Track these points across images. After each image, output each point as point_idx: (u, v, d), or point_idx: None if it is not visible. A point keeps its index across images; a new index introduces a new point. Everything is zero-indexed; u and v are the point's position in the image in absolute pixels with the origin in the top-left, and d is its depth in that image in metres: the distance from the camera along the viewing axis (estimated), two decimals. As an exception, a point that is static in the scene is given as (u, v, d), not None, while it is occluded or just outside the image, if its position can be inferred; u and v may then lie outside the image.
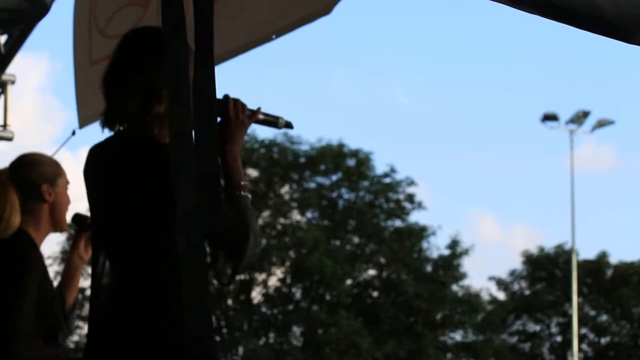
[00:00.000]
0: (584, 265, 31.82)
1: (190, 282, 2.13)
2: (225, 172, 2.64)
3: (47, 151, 3.72)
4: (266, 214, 29.20)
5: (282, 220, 29.45)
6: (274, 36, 3.30)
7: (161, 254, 2.57)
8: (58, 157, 3.70)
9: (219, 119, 2.68)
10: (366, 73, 39.76)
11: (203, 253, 2.16)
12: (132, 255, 2.64)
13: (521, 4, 1.98)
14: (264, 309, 29.21)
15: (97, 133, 4.01)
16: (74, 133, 4.08)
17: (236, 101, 2.70)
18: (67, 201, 3.61)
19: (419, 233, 30.09)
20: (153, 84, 2.63)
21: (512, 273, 34.01)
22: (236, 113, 2.69)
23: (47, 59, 44.11)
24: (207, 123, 2.14)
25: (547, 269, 33.43)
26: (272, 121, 2.82)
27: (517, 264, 36.66)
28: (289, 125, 2.85)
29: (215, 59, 2.12)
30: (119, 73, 2.69)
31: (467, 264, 32.95)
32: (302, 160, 29.79)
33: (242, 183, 2.64)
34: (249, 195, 2.65)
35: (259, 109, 2.76)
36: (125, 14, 3.66)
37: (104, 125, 2.72)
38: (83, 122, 4.33)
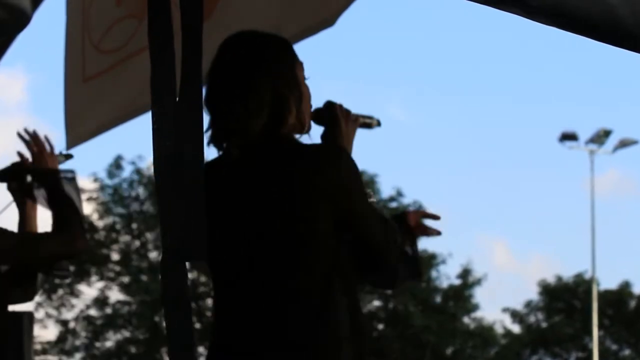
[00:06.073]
0: (605, 295, 31.77)
1: (174, 320, 2.16)
2: None
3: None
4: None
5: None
6: None
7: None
8: None
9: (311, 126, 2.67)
10: (359, 86, 39.83)
11: (187, 289, 2.19)
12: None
13: (537, 16, 2.00)
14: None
15: (80, 154, 4.03)
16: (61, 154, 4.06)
17: (341, 106, 2.72)
18: None
19: (428, 261, 30.07)
20: (281, 91, 2.56)
21: (528, 304, 33.98)
22: (346, 118, 2.71)
23: (22, 73, 44.30)
24: (193, 139, 2.16)
25: (565, 300, 33.38)
26: (368, 123, 2.84)
27: (533, 294, 36.68)
28: (378, 123, 2.88)
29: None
30: (244, 81, 2.58)
31: (479, 295, 32.91)
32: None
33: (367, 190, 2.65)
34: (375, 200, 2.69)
35: (357, 115, 2.77)
36: (120, 27, 3.67)
37: (225, 140, 2.58)
38: (72, 142, 4.23)
